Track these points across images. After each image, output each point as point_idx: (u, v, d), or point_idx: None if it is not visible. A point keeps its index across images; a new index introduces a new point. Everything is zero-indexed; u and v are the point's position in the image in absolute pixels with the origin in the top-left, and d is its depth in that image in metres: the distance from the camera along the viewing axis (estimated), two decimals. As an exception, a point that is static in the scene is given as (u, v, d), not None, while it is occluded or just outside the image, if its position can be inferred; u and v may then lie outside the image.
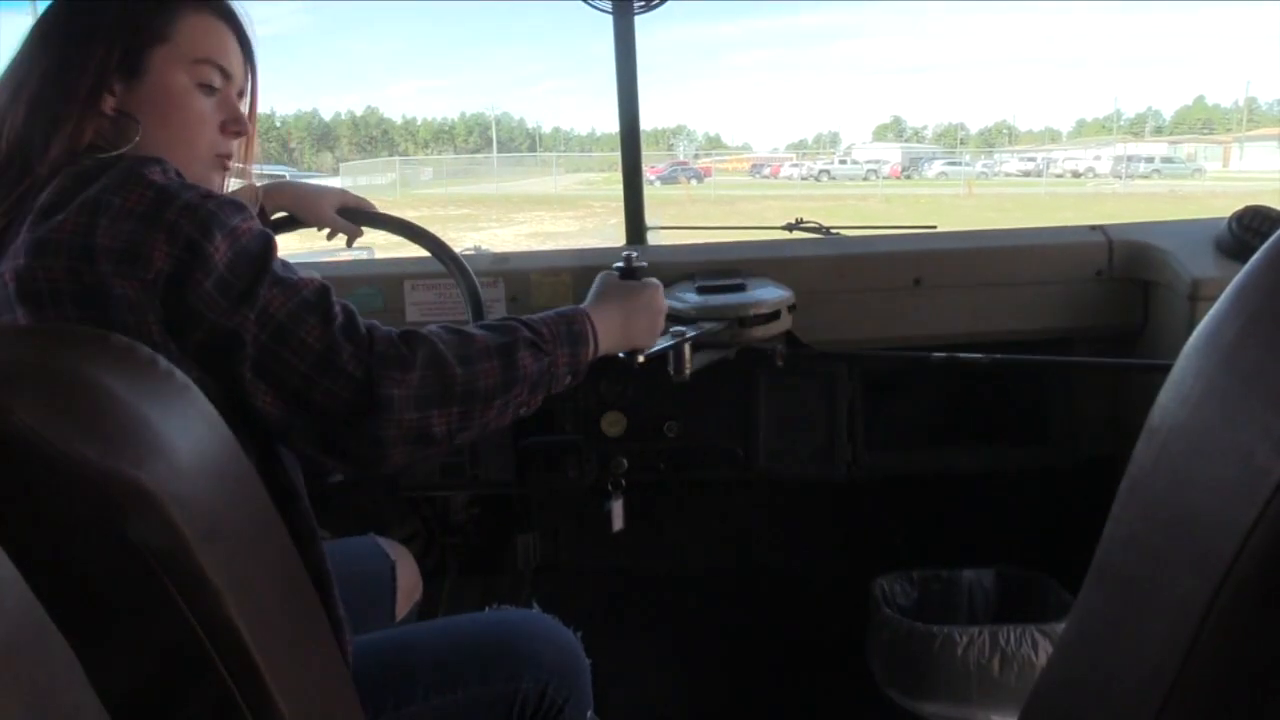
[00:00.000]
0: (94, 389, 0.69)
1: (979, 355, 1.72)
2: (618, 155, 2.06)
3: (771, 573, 2.33)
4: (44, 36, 1.04)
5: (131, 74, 1.03)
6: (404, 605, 1.54)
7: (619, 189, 2.10)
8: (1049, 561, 1.94)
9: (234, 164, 1.15)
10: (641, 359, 1.34)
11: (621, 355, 1.31)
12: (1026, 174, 32.46)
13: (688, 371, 1.57)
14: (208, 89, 1.08)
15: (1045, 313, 1.88)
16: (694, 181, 30.48)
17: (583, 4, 1.91)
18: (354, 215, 1.48)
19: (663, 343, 1.48)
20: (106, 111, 1.02)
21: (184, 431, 0.74)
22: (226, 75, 1.10)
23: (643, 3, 1.89)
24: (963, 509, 2.15)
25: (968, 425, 2.03)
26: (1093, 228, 1.91)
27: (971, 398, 2.02)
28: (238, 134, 1.12)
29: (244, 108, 1.15)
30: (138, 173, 0.92)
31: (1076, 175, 31.59)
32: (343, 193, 1.51)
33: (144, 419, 0.70)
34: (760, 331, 1.69)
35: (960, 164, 34.78)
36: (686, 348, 1.57)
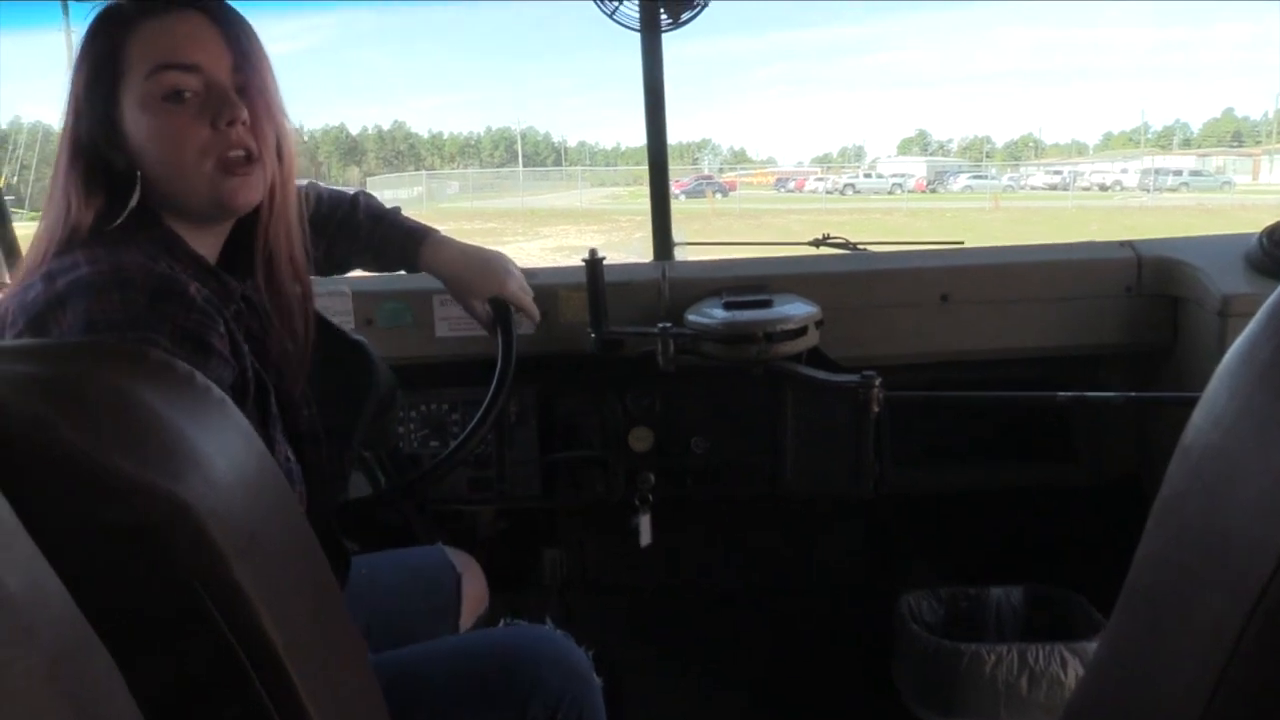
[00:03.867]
0: (135, 404, 0.70)
1: (1009, 395, 1.73)
2: (642, 169, 2.08)
3: (798, 589, 2.33)
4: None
5: (112, 127, 1.03)
6: (469, 617, 1.53)
7: (644, 203, 2.11)
8: (1077, 579, 1.93)
9: (253, 151, 1.06)
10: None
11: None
12: (1053, 187, 32.24)
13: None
14: (175, 96, 1.02)
15: (1073, 329, 1.87)
16: (719, 195, 30.50)
17: (609, 20, 1.93)
18: (501, 312, 1.52)
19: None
20: (119, 168, 1.04)
21: (220, 446, 0.75)
22: (193, 68, 1.02)
23: (670, 21, 1.90)
24: (990, 526, 2.14)
25: (994, 442, 2.02)
26: (1121, 243, 1.90)
27: (998, 415, 2.01)
28: (233, 121, 1.04)
29: (246, 79, 1.06)
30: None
31: (1103, 189, 31.36)
32: (503, 274, 1.51)
33: (182, 434, 0.71)
34: (787, 347, 1.69)
35: (986, 177, 34.61)
36: (672, 342, 1.67)
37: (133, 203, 1.04)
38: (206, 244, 1.11)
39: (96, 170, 1.03)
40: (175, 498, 0.66)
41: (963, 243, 2.07)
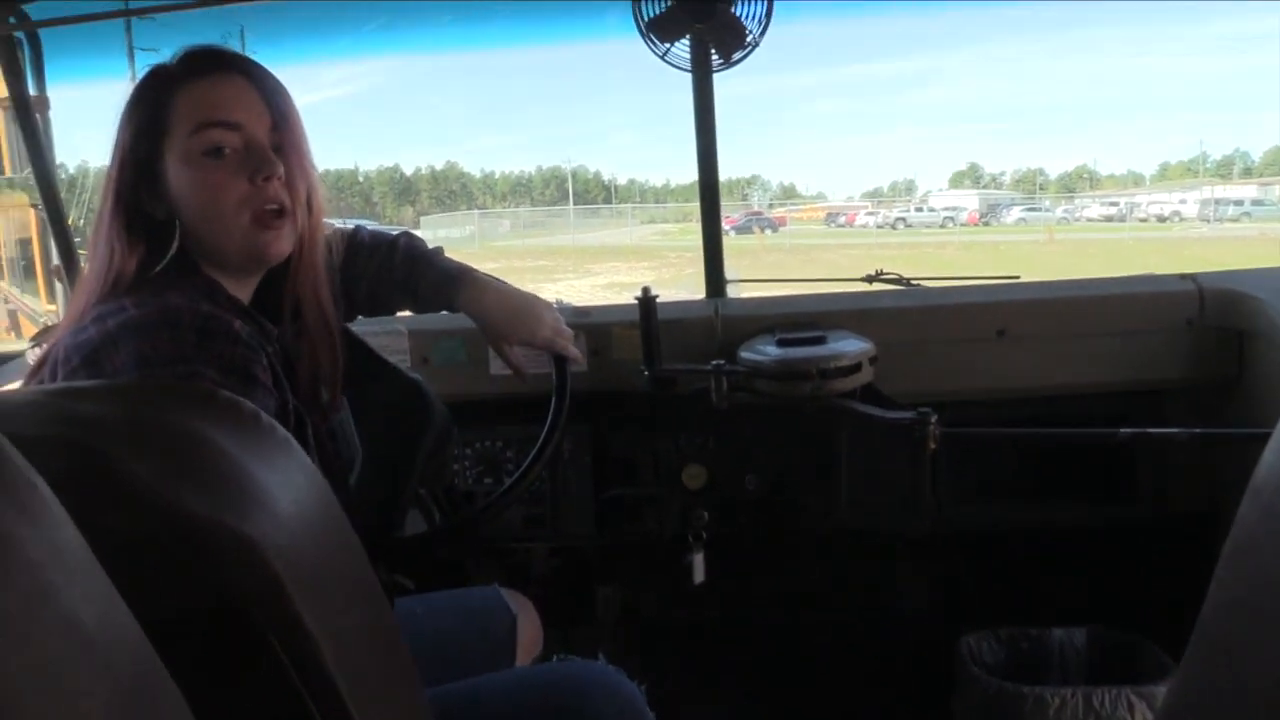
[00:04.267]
0: (202, 443, 0.72)
1: (1069, 431, 1.71)
2: (691, 206, 2.11)
3: (853, 628, 2.29)
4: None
5: (154, 179, 1.09)
6: (525, 658, 1.54)
7: (694, 239, 2.12)
8: (1142, 621, 1.88)
9: (286, 205, 1.13)
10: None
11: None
12: (1109, 219, 31.74)
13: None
14: (215, 152, 1.08)
15: (1133, 364, 1.84)
16: (769, 231, 30.49)
17: (660, 60, 1.95)
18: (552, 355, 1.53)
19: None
20: (159, 218, 1.10)
21: (284, 484, 0.76)
22: (233, 126, 1.09)
23: (721, 61, 1.92)
24: (1051, 565, 2.10)
25: (1054, 479, 1.98)
26: (1182, 276, 1.87)
27: (1058, 451, 1.98)
28: (269, 177, 1.10)
29: (282, 137, 1.13)
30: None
31: (1162, 220, 30.80)
32: (534, 321, 1.51)
33: (248, 472, 0.73)
34: (841, 384, 1.68)
35: (1040, 209, 34.22)
36: (725, 380, 1.68)
37: (171, 251, 1.10)
38: (240, 290, 1.16)
39: (138, 220, 1.09)
40: (242, 535, 0.67)
41: (1018, 277, 2.05)
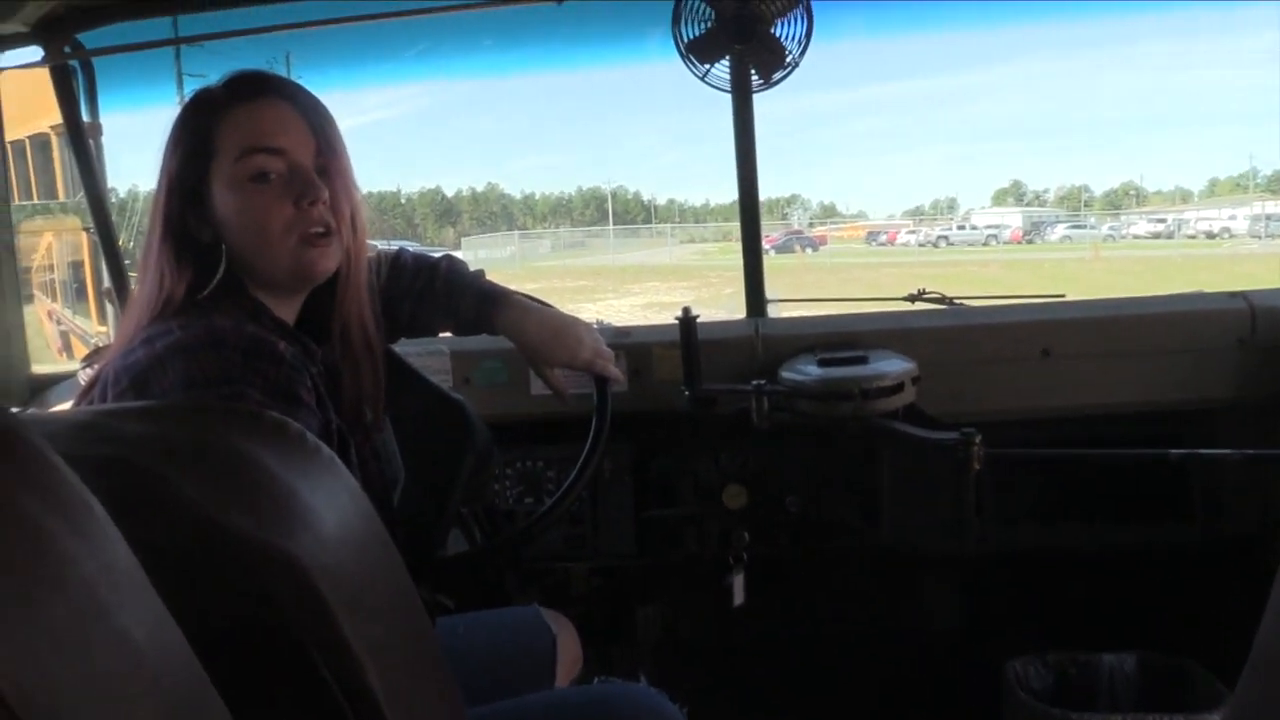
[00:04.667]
0: (251, 464, 0.73)
1: (1117, 452, 1.68)
2: (730, 225, 2.11)
3: (896, 651, 2.27)
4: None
5: (200, 203, 1.11)
6: (564, 679, 1.54)
7: (733, 259, 2.13)
8: (1194, 646, 1.84)
9: (332, 226, 1.15)
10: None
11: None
12: (1156, 236, 31.22)
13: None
14: (261, 177, 1.10)
15: (1183, 383, 1.81)
16: (809, 250, 30.37)
17: (699, 81, 1.96)
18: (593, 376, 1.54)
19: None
20: (206, 241, 1.12)
21: (330, 504, 0.77)
22: (278, 151, 1.11)
23: (761, 81, 1.92)
24: (1099, 589, 2.06)
25: (1102, 501, 1.95)
26: (1233, 294, 1.84)
27: (1105, 472, 1.95)
28: (315, 201, 1.12)
29: (327, 161, 1.15)
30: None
31: (1211, 236, 30.24)
32: (574, 343, 1.52)
33: (295, 492, 0.74)
34: (883, 404, 1.67)
35: (1085, 227, 33.78)
36: (766, 399, 1.65)
37: (219, 275, 1.12)
38: (285, 311, 1.18)
39: (186, 244, 1.12)
40: (289, 555, 0.68)
41: (1063, 295, 2.03)
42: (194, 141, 1.11)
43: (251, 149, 1.10)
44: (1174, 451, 1.54)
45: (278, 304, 1.17)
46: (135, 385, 1.00)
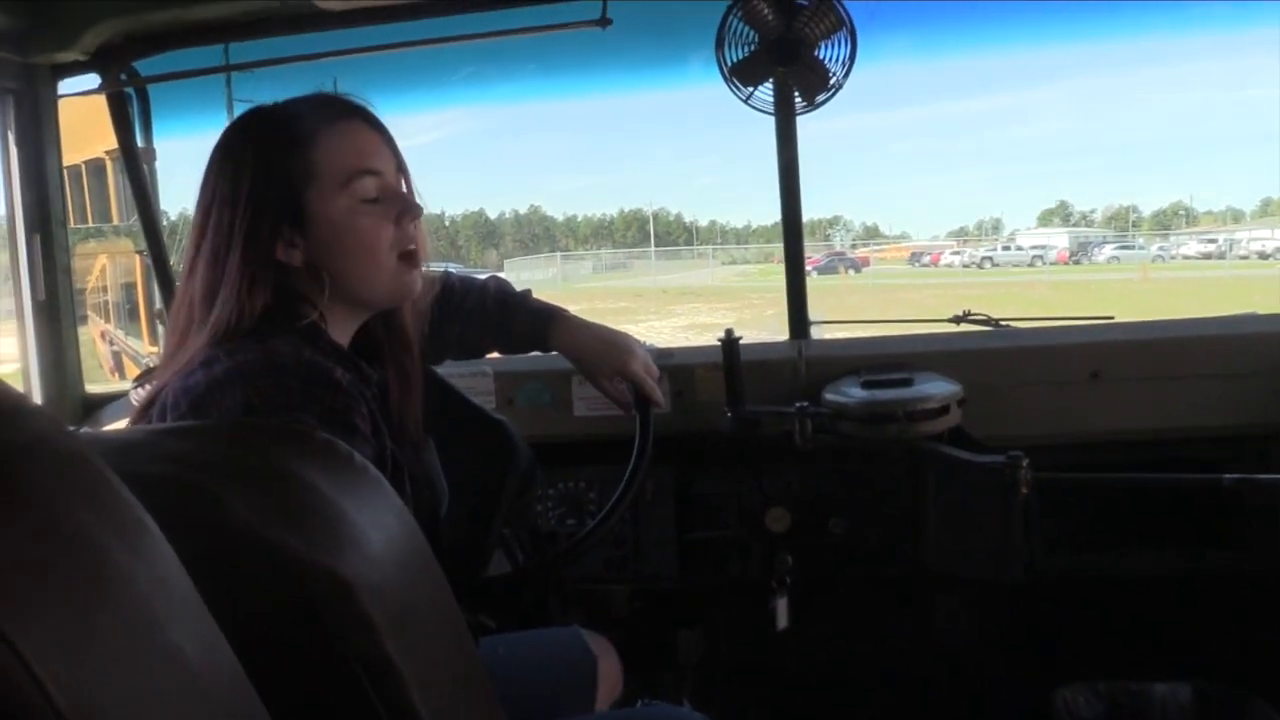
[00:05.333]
0: (300, 483, 0.74)
1: (1169, 476, 1.65)
2: (772, 247, 2.10)
3: (942, 677, 2.23)
4: (209, 201, 1.13)
5: (299, 224, 1.10)
6: (604, 701, 1.54)
7: (773, 280, 2.13)
8: (1250, 676, 1.79)
9: (419, 244, 1.17)
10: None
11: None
12: (1207, 256, 30.71)
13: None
14: (369, 200, 1.12)
15: (1235, 407, 1.77)
16: (852, 272, 30.23)
17: (743, 103, 1.96)
18: (635, 390, 1.55)
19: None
20: (294, 264, 1.11)
21: (376, 524, 0.78)
22: (376, 173, 1.13)
23: (805, 103, 1.92)
24: (1151, 617, 2.01)
25: (1154, 527, 1.91)
26: None
27: (1157, 498, 1.91)
28: (415, 217, 1.15)
29: (406, 180, 1.18)
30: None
31: (1264, 256, 29.67)
32: (627, 354, 1.54)
33: (342, 512, 0.74)
34: (928, 427, 1.66)
35: (1133, 247, 33.31)
36: (809, 421, 1.66)
37: (324, 299, 1.13)
38: (342, 334, 1.19)
39: (269, 266, 1.11)
40: (335, 574, 0.69)
41: (1113, 317, 2.00)
42: (289, 163, 1.11)
43: (358, 171, 1.12)
44: (1228, 476, 1.51)
45: (338, 326, 1.17)
46: (194, 409, 1.01)
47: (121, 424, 2.16)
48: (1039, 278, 26.37)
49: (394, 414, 1.21)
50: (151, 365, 2.46)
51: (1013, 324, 1.99)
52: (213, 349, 1.05)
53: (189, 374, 1.04)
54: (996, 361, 1.84)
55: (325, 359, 1.07)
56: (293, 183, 1.10)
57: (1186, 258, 31.32)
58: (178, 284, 1.17)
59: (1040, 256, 31.67)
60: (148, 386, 2.15)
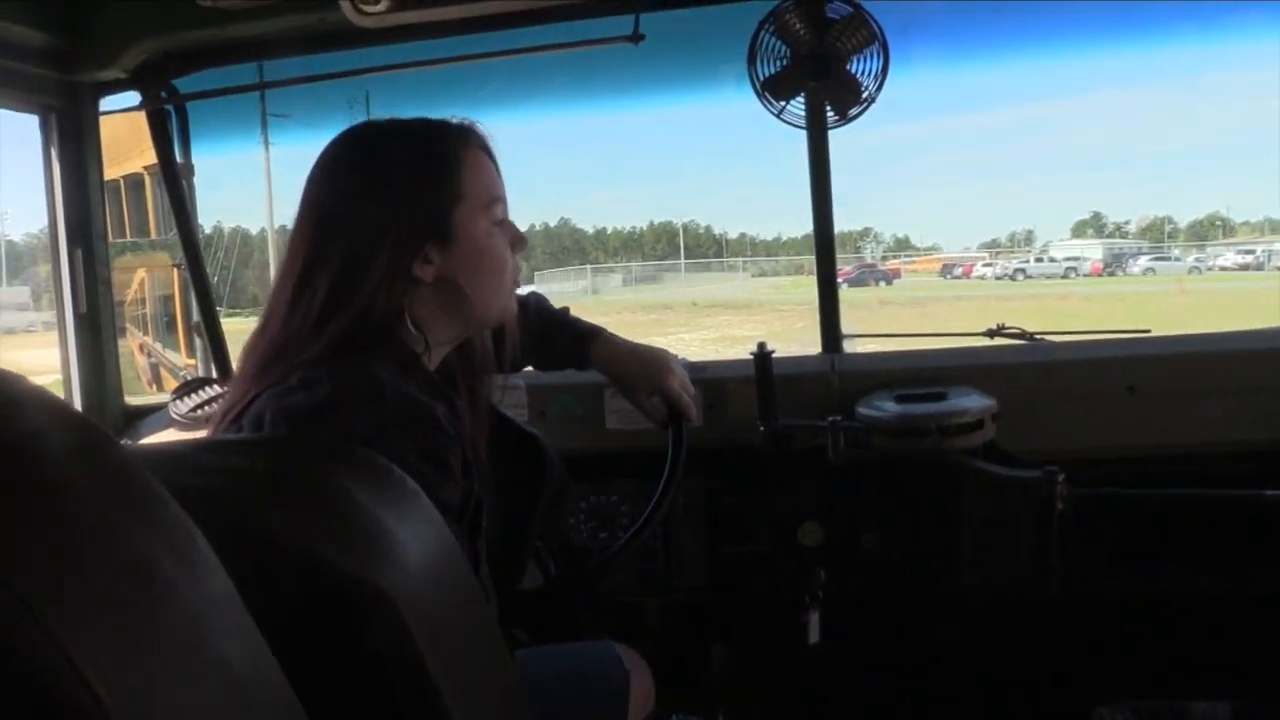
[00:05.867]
0: (341, 496, 0.75)
1: (1208, 492, 1.63)
2: (802, 259, 2.10)
3: (976, 696, 2.21)
4: (345, 197, 1.13)
5: (444, 241, 1.13)
6: (636, 716, 1.53)
7: (803, 293, 2.13)
8: None
9: None
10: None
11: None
12: (1245, 268, 30.25)
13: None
14: (500, 225, 1.18)
15: (1275, 421, 1.75)
16: (882, 284, 30.07)
17: (774, 117, 1.96)
18: (673, 407, 1.57)
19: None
20: (426, 279, 1.13)
21: (414, 536, 0.79)
22: (503, 200, 1.19)
23: (837, 117, 1.92)
24: (1189, 634, 1.98)
25: (1193, 544, 1.88)
26: None
27: (1196, 514, 1.88)
28: (524, 248, 1.22)
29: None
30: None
31: (1305, 267, 29.24)
32: (665, 371, 1.57)
33: (381, 524, 0.75)
34: (962, 441, 1.65)
35: (1169, 259, 32.90)
36: (842, 435, 1.66)
37: (441, 319, 1.18)
38: (436, 359, 1.21)
39: (404, 280, 1.13)
40: (374, 585, 0.70)
41: (1149, 331, 1.98)
42: (442, 182, 1.14)
43: (495, 197, 1.18)
44: (1269, 493, 1.49)
45: (438, 350, 1.21)
46: (295, 430, 1.01)
47: (161, 435, 2.19)
48: (1073, 290, 26.12)
49: (467, 435, 1.22)
50: (189, 378, 2.49)
51: (1047, 338, 1.97)
52: (316, 367, 1.06)
53: (288, 391, 1.04)
54: (1031, 375, 1.82)
55: (424, 393, 1.08)
56: (442, 201, 1.14)
57: (1224, 269, 30.90)
58: (270, 295, 1.16)
59: (1074, 268, 31.35)
60: (189, 399, 2.18)
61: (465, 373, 1.29)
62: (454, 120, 1.20)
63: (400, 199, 1.12)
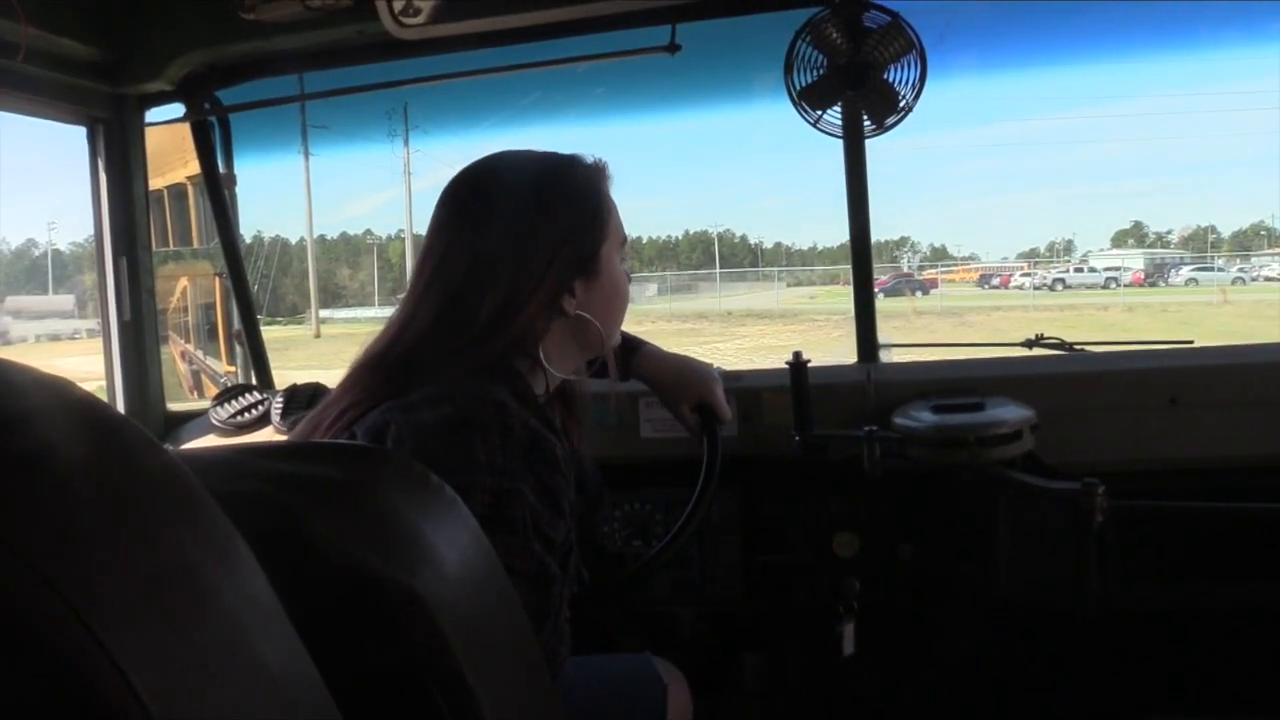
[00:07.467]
0: (380, 503, 0.75)
1: (1252, 506, 1.61)
2: (837, 269, 2.09)
3: (1013, 711, 2.18)
4: (517, 215, 1.16)
5: (592, 275, 1.18)
6: None
7: (839, 302, 2.12)
8: None
9: None
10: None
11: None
12: (1291, 277, 29.75)
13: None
14: (624, 261, 1.23)
15: None
16: (919, 294, 29.87)
17: (811, 127, 1.96)
18: (708, 416, 1.58)
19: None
20: (568, 312, 1.16)
21: (451, 543, 0.79)
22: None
23: (874, 126, 1.91)
24: (1230, 650, 1.95)
25: (1234, 556, 1.85)
26: None
27: (1237, 526, 1.85)
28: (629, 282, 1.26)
29: None
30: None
31: (1351, 278, 28.67)
32: (710, 381, 1.59)
33: (419, 530, 0.76)
34: (1000, 452, 1.63)
35: (1212, 269, 32.41)
36: (878, 446, 1.66)
37: (592, 351, 1.25)
38: (541, 387, 1.22)
39: (555, 311, 1.17)
40: (411, 591, 0.70)
41: (1191, 342, 1.95)
42: (597, 215, 1.20)
43: (625, 235, 1.24)
44: None
45: (551, 384, 1.24)
46: (419, 451, 1.01)
47: (201, 441, 2.22)
48: (1113, 300, 25.80)
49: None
50: (229, 385, 2.52)
51: (1087, 348, 1.95)
52: (445, 387, 1.07)
53: (413, 408, 1.05)
54: (1070, 386, 1.80)
55: (542, 426, 1.09)
56: (596, 238, 1.18)
57: (1269, 279, 30.38)
58: (407, 302, 1.18)
59: (1114, 278, 30.97)
60: (229, 405, 2.21)
61: (564, 412, 1.31)
62: (589, 158, 1.23)
63: (568, 233, 1.16)
